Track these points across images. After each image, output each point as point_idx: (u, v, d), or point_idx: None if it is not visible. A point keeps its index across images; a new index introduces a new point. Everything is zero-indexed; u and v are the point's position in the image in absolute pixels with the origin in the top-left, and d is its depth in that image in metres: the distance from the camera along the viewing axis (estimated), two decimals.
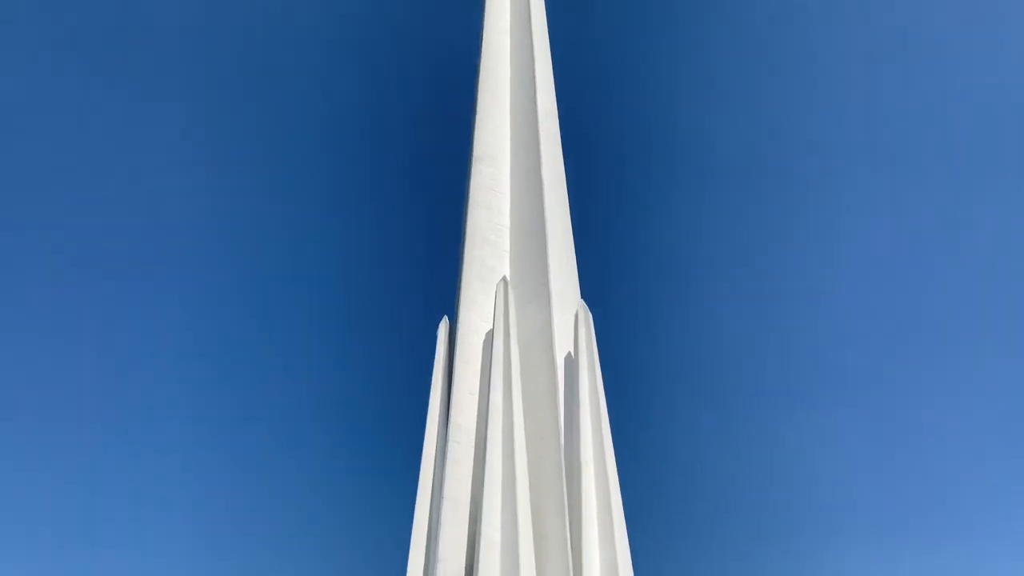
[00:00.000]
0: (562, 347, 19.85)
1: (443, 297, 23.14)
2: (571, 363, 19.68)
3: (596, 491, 17.96)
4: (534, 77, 24.07)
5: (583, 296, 21.24)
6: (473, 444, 18.90)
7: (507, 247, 22.09)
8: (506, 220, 22.54)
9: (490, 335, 20.03)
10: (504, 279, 20.42)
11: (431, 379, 20.68)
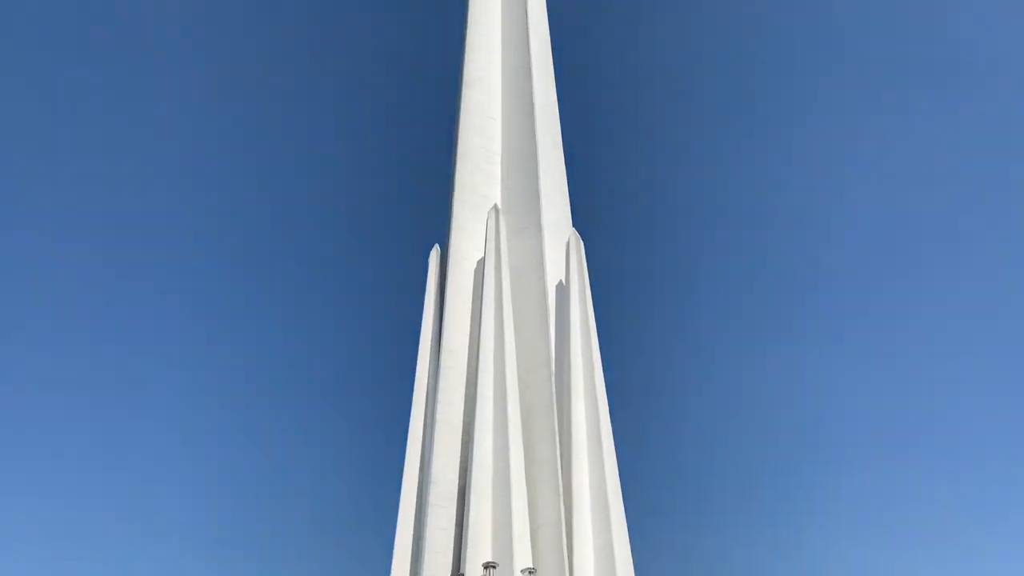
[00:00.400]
0: (553, 275, 19.90)
1: (434, 225, 23.06)
2: (562, 290, 19.76)
3: (586, 416, 18.26)
4: (526, 2, 23.52)
5: (575, 224, 21.18)
6: (465, 370, 19.11)
7: (498, 174, 21.88)
8: (497, 147, 22.26)
9: (481, 263, 20.02)
10: (495, 206, 20.29)
11: (423, 306, 20.78)
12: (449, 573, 16.24)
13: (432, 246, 21.28)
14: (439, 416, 18.26)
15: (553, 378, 18.33)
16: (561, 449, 17.47)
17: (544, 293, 19.47)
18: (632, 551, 17.20)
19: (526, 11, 23.28)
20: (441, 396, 18.55)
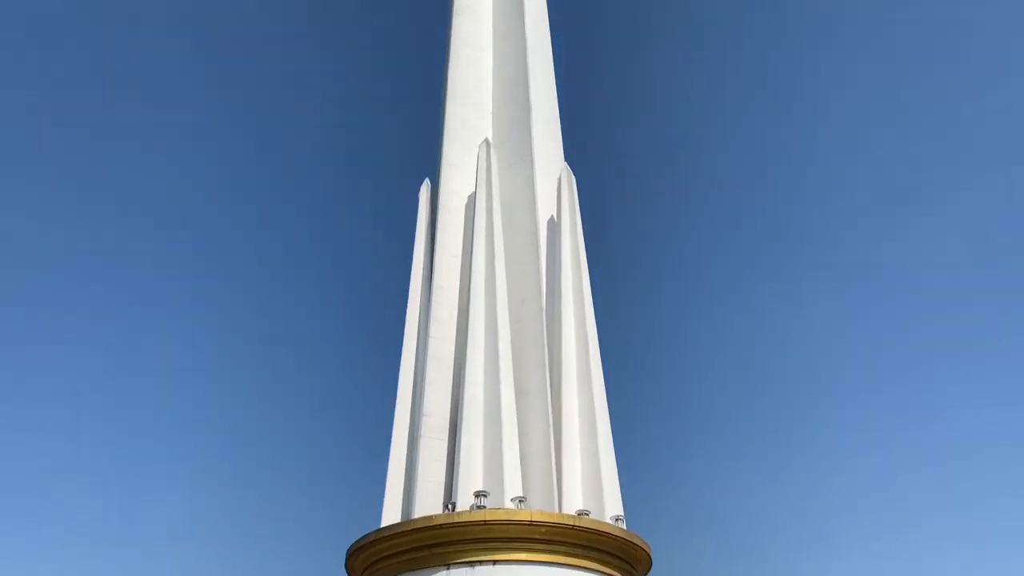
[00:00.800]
0: (545, 210, 19.77)
1: (424, 159, 22.83)
2: (553, 226, 19.66)
3: (576, 351, 18.35)
4: None
5: (567, 159, 20.97)
6: (456, 306, 19.11)
7: (489, 107, 21.59)
8: (488, 79, 21.91)
9: (472, 198, 19.87)
10: (486, 140, 20.04)
11: (413, 242, 20.68)
12: (441, 502, 16.47)
13: (423, 181, 21.12)
14: (430, 351, 18.33)
15: (543, 312, 18.35)
16: (551, 380, 17.58)
17: (535, 229, 19.38)
18: (620, 475, 17.48)
19: None
20: (432, 331, 18.58)
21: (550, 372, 17.72)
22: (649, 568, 16.79)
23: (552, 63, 22.45)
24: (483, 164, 19.57)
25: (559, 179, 19.99)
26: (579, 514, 15.84)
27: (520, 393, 17.46)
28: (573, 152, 21.75)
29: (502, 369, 17.21)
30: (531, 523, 15.03)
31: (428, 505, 16.43)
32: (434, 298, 19.00)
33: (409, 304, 19.82)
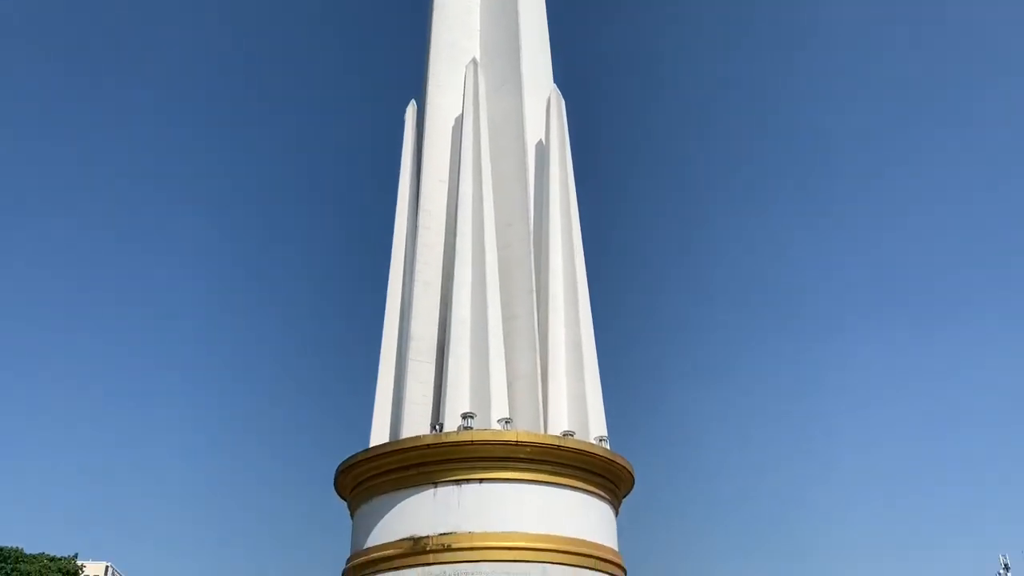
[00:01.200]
0: (533, 133, 19.47)
1: (411, 78, 22.34)
2: (542, 150, 19.42)
3: (563, 275, 18.36)
4: None
5: (556, 82, 20.55)
6: (443, 230, 18.98)
7: (477, 27, 21.04)
8: None
9: (459, 120, 19.54)
10: (474, 60, 19.60)
11: (399, 165, 20.42)
12: (428, 423, 16.68)
13: (408, 102, 20.73)
14: (417, 275, 18.30)
15: (531, 237, 18.29)
16: (538, 305, 17.65)
17: (523, 152, 19.14)
18: (604, 397, 17.75)
19: None
20: (419, 255, 18.52)
21: (537, 297, 17.77)
22: (631, 487, 17.19)
23: None
24: (470, 85, 19.19)
25: (548, 101, 19.67)
26: (564, 435, 16.12)
27: (507, 317, 17.52)
28: (563, 75, 21.36)
29: (489, 293, 17.24)
30: (517, 443, 15.29)
31: (416, 426, 16.65)
32: (420, 222, 18.88)
33: (395, 228, 19.69)
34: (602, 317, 18.77)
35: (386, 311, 18.81)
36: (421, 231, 18.78)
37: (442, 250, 18.78)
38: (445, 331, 17.44)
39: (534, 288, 17.75)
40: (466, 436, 15.33)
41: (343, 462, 16.55)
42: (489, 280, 17.34)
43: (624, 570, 16.13)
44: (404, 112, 20.72)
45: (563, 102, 19.83)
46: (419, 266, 18.36)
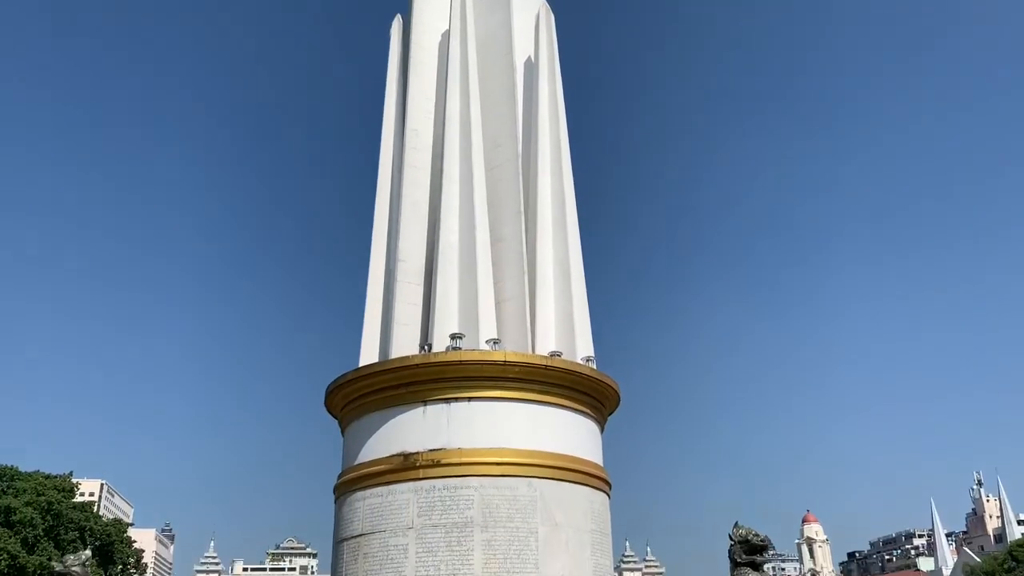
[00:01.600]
0: (522, 50, 19.08)
1: None
2: (531, 67, 19.06)
3: (552, 197, 18.28)
4: None
5: None
6: (430, 149, 18.74)
7: None
8: None
9: (446, 35, 19.09)
10: None
11: (384, 83, 20.03)
12: (417, 344, 16.81)
13: (393, 16, 20.21)
14: (404, 195, 18.15)
15: (520, 158, 18.11)
16: (526, 226, 17.61)
17: (512, 69, 18.78)
18: (592, 318, 17.92)
19: None
20: (406, 176, 18.33)
21: (525, 218, 17.72)
22: (617, 405, 17.51)
23: None
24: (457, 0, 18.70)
25: (537, 17, 19.22)
26: (551, 355, 16.32)
27: (495, 239, 17.49)
28: None
29: (477, 214, 17.17)
30: (505, 363, 15.48)
31: (405, 346, 16.79)
32: (407, 142, 18.62)
33: (382, 147, 19.43)
34: (590, 238, 18.79)
35: (373, 232, 18.73)
36: (408, 151, 18.54)
37: (429, 171, 18.58)
38: (433, 253, 17.43)
39: (522, 210, 17.68)
40: (454, 356, 15.50)
41: (334, 381, 16.74)
42: (477, 202, 17.25)
43: (609, 484, 16.56)
44: (390, 27, 20.24)
45: (552, 17, 19.40)
46: (406, 187, 18.20)
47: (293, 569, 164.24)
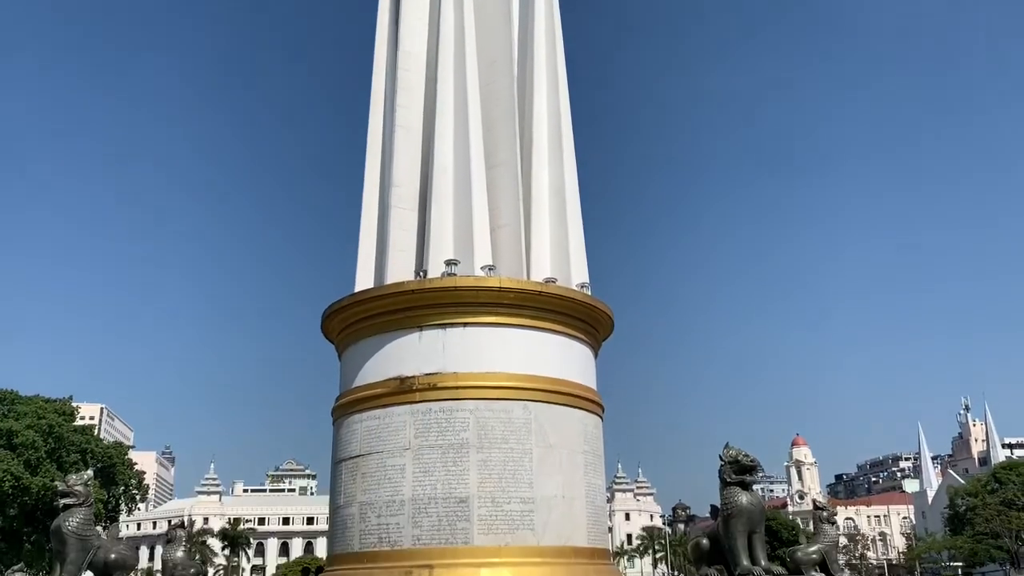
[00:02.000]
0: None
1: None
2: None
3: (548, 121, 18.06)
4: None
5: None
6: (424, 72, 18.39)
7: None
8: None
9: None
10: None
11: (377, 3, 19.54)
12: (412, 270, 16.84)
13: None
14: (398, 120, 17.89)
15: (515, 81, 17.81)
16: (521, 151, 17.46)
17: None
18: (587, 245, 17.93)
19: None
20: (399, 100, 18.03)
21: (520, 143, 17.55)
22: (611, 330, 17.67)
23: None
24: None
25: None
26: (546, 281, 16.39)
27: (490, 165, 17.35)
28: None
29: (471, 138, 16.98)
30: (500, 289, 15.56)
31: (400, 272, 16.80)
32: (400, 64, 18.25)
33: (375, 70, 19.06)
34: (586, 163, 18.67)
35: (367, 157, 18.54)
36: (400, 73, 18.18)
37: (423, 93, 18.26)
38: (427, 178, 17.31)
39: (518, 134, 17.50)
40: (450, 283, 15.56)
41: (330, 305, 16.83)
42: (472, 126, 17.04)
43: (602, 407, 16.84)
44: None
45: None
46: (399, 111, 17.93)
47: (292, 490, 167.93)
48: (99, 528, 13.76)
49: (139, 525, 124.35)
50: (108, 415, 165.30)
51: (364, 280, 17.59)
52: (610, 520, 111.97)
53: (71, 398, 57.28)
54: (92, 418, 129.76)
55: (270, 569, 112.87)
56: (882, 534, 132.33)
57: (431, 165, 17.13)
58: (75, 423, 56.03)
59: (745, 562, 11.18)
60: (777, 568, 12.05)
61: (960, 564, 75.51)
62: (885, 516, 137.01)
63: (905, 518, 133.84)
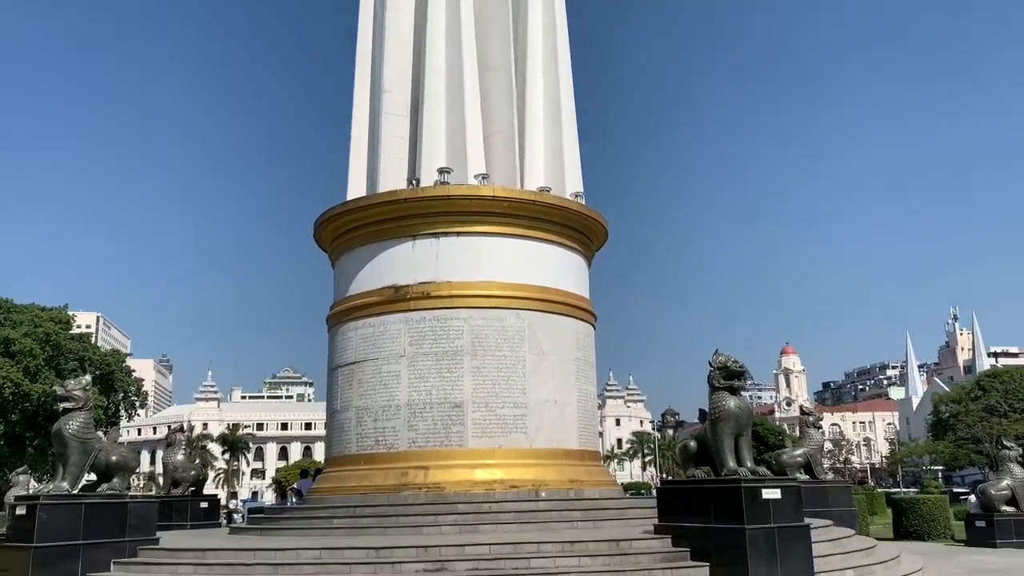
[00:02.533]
0: None
1: None
2: None
3: (543, 24, 17.59)
4: None
5: None
6: None
7: None
8: None
9: None
10: None
11: None
12: (405, 179, 16.69)
13: None
14: (388, 23, 17.41)
15: None
16: (516, 56, 17.08)
17: None
18: (581, 154, 17.75)
19: None
20: (389, 2, 17.52)
21: (515, 47, 17.14)
22: (605, 240, 17.67)
23: None
24: None
25: None
26: (540, 191, 16.28)
27: (484, 69, 16.99)
28: None
29: (464, 42, 16.56)
30: (493, 198, 15.47)
31: (392, 180, 16.65)
32: None
33: None
34: (581, 70, 18.31)
35: (356, 63, 18.07)
36: None
37: None
38: (419, 84, 16.96)
39: (512, 38, 17.08)
40: (443, 191, 15.45)
41: (322, 214, 16.74)
42: (464, 28, 16.60)
43: (594, 315, 17.00)
44: None
45: None
46: (390, 12, 17.44)
47: (290, 397, 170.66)
48: (99, 432, 13.99)
49: (139, 431, 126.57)
50: (104, 324, 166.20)
51: (356, 188, 17.43)
52: (601, 425, 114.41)
53: (67, 307, 57.41)
54: (88, 327, 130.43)
55: (270, 472, 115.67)
56: (867, 440, 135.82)
57: (423, 68, 16.76)
58: (72, 331, 56.26)
59: (731, 463, 11.47)
60: (762, 469, 12.38)
61: (940, 468, 77.75)
62: (870, 422, 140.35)
63: (890, 424, 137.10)
